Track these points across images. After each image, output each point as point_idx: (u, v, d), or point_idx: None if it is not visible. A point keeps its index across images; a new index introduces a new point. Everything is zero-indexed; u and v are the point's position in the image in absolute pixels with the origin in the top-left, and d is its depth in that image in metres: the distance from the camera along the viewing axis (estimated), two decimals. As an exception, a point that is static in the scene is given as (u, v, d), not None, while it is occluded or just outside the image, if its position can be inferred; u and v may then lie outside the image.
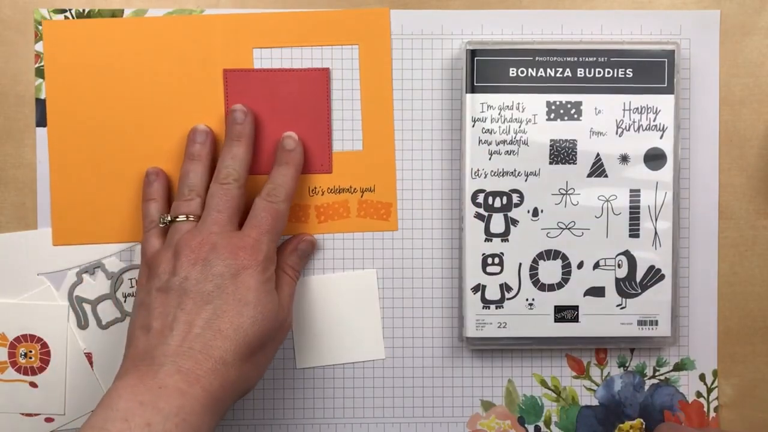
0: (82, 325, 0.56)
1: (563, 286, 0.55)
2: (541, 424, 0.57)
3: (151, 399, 0.44)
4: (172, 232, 0.51)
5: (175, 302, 0.48)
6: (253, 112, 0.54)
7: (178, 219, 0.52)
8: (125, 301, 0.56)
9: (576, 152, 0.55)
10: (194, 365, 0.46)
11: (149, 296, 0.49)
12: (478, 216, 0.55)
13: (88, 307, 0.56)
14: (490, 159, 0.54)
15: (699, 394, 0.58)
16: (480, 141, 0.54)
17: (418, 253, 0.57)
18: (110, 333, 0.56)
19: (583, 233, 0.55)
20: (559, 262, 0.55)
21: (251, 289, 0.49)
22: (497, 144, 0.54)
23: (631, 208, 0.55)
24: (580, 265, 0.55)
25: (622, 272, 0.55)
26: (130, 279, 0.55)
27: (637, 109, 0.54)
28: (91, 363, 0.56)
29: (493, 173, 0.55)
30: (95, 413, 0.44)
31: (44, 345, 0.56)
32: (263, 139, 0.56)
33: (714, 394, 0.58)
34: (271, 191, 0.52)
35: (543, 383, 0.57)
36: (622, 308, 0.55)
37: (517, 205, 0.55)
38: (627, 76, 0.54)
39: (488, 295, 0.55)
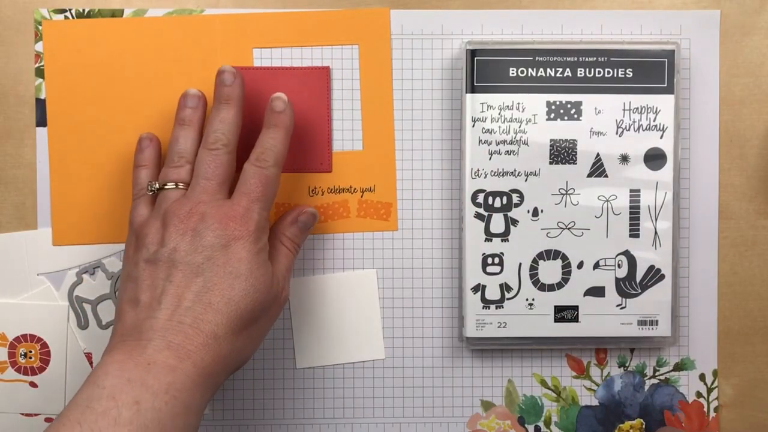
0: (83, 325, 0.56)
1: (563, 286, 0.55)
2: (541, 424, 0.57)
3: (140, 376, 0.42)
4: (161, 200, 0.50)
5: (164, 274, 0.46)
6: (242, 75, 0.52)
7: (166, 186, 0.50)
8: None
9: (576, 152, 0.55)
10: (184, 340, 0.44)
11: (137, 268, 0.48)
12: (478, 216, 0.55)
13: (88, 307, 0.56)
14: (490, 159, 0.54)
15: (699, 394, 0.58)
16: (480, 141, 0.54)
17: (418, 253, 0.57)
18: (110, 333, 0.56)
19: (583, 233, 0.55)
20: (559, 262, 0.55)
21: (243, 261, 0.47)
22: (497, 144, 0.54)
23: (631, 208, 0.55)
24: (580, 265, 0.55)
25: (622, 272, 0.55)
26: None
27: (637, 109, 0.54)
28: (91, 363, 0.56)
29: (493, 173, 0.55)
30: (81, 390, 0.43)
31: (44, 345, 0.56)
32: (263, 139, 0.56)
33: (714, 394, 0.58)
34: (260, 155, 0.50)
35: (543, 383, 0.57)
36: (622, 308, 0.55)
37: (517, 205, 0.55)
38: (627, 76, 0.54)
39: (488, 295, 0.55)
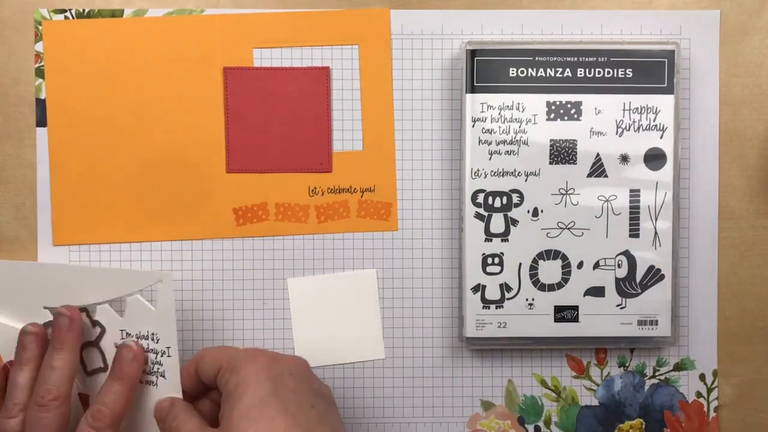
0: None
1: (563, 286, 0.55)
2: (541, 424, 0.57)
3: None
4: None
5: None
6: (80, 318, 0.50)
7: None
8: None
9: (576, 152, 0.55)
10: None
11: None
12: (478, 216, 0.55)
13: None
14: (490, 159, 0.54)
15: (699, 394, 0.58)
16: (480, 141, 0.54)
17: (418, 253, 0.57)
18: (94, 380, 0.53)
19: (583, 233, 0.55)
20: (559, 262, 0.55)
21: None
22: (497, 144, 0.54)
23: (631, 208, 0.55)
24: (580, 265, 0.55)
25: (622, 272, 0.55)
26: (121, 330, 0.51)
27: (637, 109, 0.54)
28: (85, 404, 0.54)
29: (493, 173, 0.55)
30: None
31: None
32: (263, 139, 0.56)
33: (714, 394, 0.58)
34: (96, 414, 0.48)
35: (543, 383, 0.57)
36: (622, 308, 0.55)
37: (517, 205, 0.55)
38: (627, 76, 0.54)
39: (488, 295, 0.55)
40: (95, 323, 0.52)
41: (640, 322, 0.55)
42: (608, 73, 0.54)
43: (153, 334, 0.50)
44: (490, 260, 0.55)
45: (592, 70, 0.54)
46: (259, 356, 0.46)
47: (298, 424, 0.43)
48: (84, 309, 0.52)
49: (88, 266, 0.56)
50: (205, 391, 0.50)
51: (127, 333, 0.51)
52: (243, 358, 0.46)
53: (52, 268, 0.53)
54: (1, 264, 0.53)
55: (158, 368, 0.50)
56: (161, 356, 0.50)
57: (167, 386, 0.49)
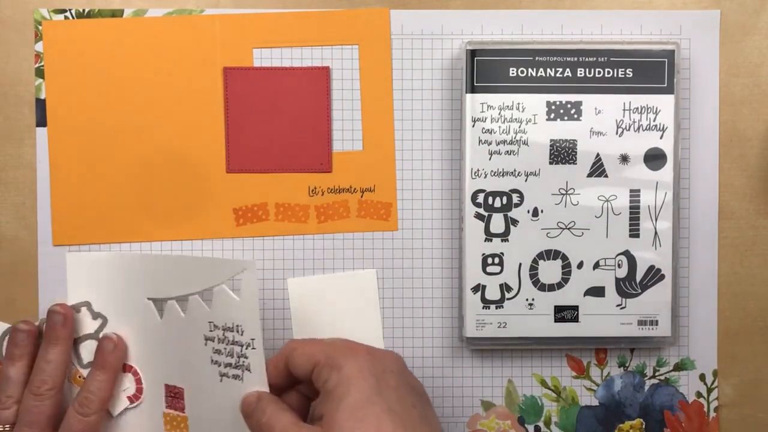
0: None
1: (563, 286, 0.55)
2: (541, 424, 0.57)
3: None
4: None
5: None
6: (72, 315, 0.53)
7: None
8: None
9: (576, 152, 0.55)
10: None
11: None
12: (478, 216, 0.55)
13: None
14: (490, 159, 0.54)
15: (699, 394, 0.58)
16: (480, 141, 0.54)
17: (418, 253, 0.57)
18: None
19: (583, 233, 0.55)
20: (559, 262, 0.55)
21: None
22: (497, 144, 0.54)
23: (631, 208, 0.55)
24: (580, 265, 0.55)
25: (622, 272, 0.55)
26: (209, 322, 0.51)
27: (637, 109, 0.54)
28: None
29: (493, 173, 0.55)
30: None
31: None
32: (263, 139, 0.56)
33: (714, 394, 0.58)
34: (83, 401, 0.51)
35: (543, 383, 0.57)
36: (622, 308, 0.55)
37: (517, 205, 0.55)
38: (627, 76, 0.54)
39: (488, 295, 0.55)
40: (96, 316, 0.54)
41: (640, 322, 0.55)
42: (608, 73, 0.54)
43: (238, 326, 0.48)
44: (490, 260, 0.55)
45: (592, 70, 0.54)
46: (359, 352, 0.45)
47: (404, 424, 0.42)
48: (84, 304, 0.53)
49: (177, 255, 0.54)
50: (292, 384, 0.49)
51: (214, 325, 0.49)
52: (342, 354, 0.45)
53: (153, 258, 0.52)
54: (102, 257, 0.53)
55: (243, 361, 0.48)
56: (246, 349, 0.48)
57: (253, 380, 0.48)
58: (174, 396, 0.52)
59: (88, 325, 0.55)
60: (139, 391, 0.53)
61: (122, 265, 0.52)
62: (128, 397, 0.53)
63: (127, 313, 0.52)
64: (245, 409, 0.47)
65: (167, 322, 0.51)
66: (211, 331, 0.49)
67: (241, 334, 0.48)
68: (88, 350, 0.54)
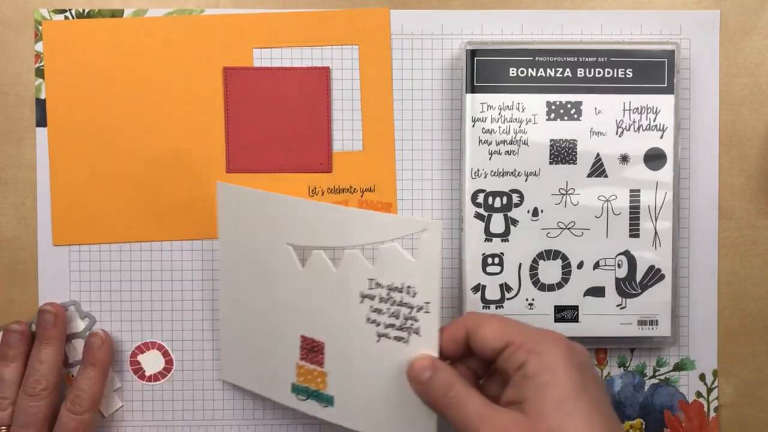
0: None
1: (563, 286, 0.55)
2: (541, 424, 0.57)
3: None
4: None
5: None
6: (64, 314, 0.54)
7: None
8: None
9: (576, 152, 0.55)
10: None
11: None
12: (478, 216, 0.55)
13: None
14: (490, 159, 0.54)
15: (699, 394, 0.58)
16: (480, 141, 0.54)
17: (418, 253, 0.57)
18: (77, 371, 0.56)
19: (583, 233, 0.55)
20: (559, 262, 0.55)
21: None
22: (497, 144, 0.54)
23: (631, 208, 0.55)
24: (580, 265, 0.55)
25: (622, 272, 0.55)
26: (369, 279, 0.48)
27: (637, 109, 0.54)
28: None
29: (493, 173, 0.55)
30: None
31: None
32: (263, 139, 0.56)
33: (714, 394, 0.58)
34: (74, 399, 0.52)
35: (543, 383, 0.57)
36: (622, 308, 0.55)
37: (517, 205, 0.55)
38: (627, 76, 0.54)
39: (488, 295, 0.55)
40: (84, 315, 0.55)
41: (640, 322, 0.55)
42: (608, 73, 0.54)
43: (409, 287, 0.46)
44: (490, 260, 0.55)
45: (592, 70, 0.54)
46: (558, 340, 0.43)
47: (608, 423, 0.41)
48: (72, 303, 0.54)
49: (343, 208, 0.51)
50: (460, 356, 0.47)
51: (377, 283, 0.47)
52: (540, 339, 0.43)
53: (303, 204, 0.50)
54: (250, 193, 0.51)
55: (412, 324, 0.47)
56: (417, 311, 0.46)
57: (420, 344, 0.46)
58: (311, 349, 0.50)
59: (77, 324, 0.55)
60: (169, 363, 0.54)
61: (269, 206, 0.50)
62: (158, 373, 0.54)
63: (266, 255, 0.51)
64: (416, 373, 0.45)
65: (311, 272, 0.49)
66: (371, 288, 0.47)
67: (413, 296, 0.46)
68: (76, 349, 0.55)
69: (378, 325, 0.47)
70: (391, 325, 0.47)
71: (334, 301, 0.49)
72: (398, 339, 0.47)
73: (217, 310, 0.56)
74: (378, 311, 0.47)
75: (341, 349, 0.49)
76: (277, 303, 0.51)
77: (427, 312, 0.46)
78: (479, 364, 0.47)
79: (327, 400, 0.50)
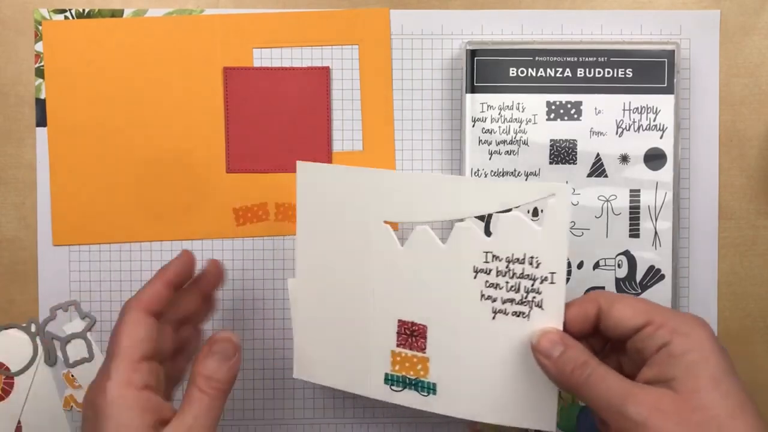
0: (50, 361, 0.56)
1: (563, 286, 0.55)
2: (541, 424, 0.57)
3: None
4: None
5: None
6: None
7: None
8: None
9: (576, 152, 0.55)
10: None
11: None
12: (479, 216, 0.55)
13: (57, 344, 0.56)
14: (490, 159, 0.54)
15: (699, 394, 0.57)
16: (480, 141, 0.54)
17: (418, 253, 0.56)
18: (76, 371, 0.56)
19: (583, 233, 0.55)
20: (559, 262, 0.55)
21: None
22: (497, 144, 0.54)
23: (631, 208, 0.55)
24: (580, 265, 0.55)
25: (622, 272, 0.55)
26: (485, 252, 0.45)
27: (637, 109, 0.54)
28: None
29: (493, 173, 0.55)
30: None
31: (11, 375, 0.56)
32: (263, 139, 0.56)
33: (714, 394, 0.57)
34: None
35: (543, 383, 0.57)
36: (622, 308, 0.55)
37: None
38: (627, 76, 0.54)
39: (488, 295, 0.55)
40: (84, 315, 0.55)
41: (640, 322, 0.55)
42: (608, 73, 0.54)
43: (532, 257, 0.44)
44: (490, 260, 0.55)
45: (592, 70, 0.54)
46: (702, 322, 0.42)
47: (754, 409, 0.40)
48: (72, 303, 0.54)
49: (457, 177, 0.49)
50: (584, 335, 0.45)
51: (493, 256, 0.44)
52: (682, 319, 0.42)
53: (406, 177, 0.46)
54: (338, 170, 0.48)
55: (534, 297, 0.44)
56: (541, 283, 0.44)
57: (543, 318, 0.44)
58: (410, 334, 0.47)
59: (77, 324, 0.55)
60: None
61: (361, 182, 0.47)
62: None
63: (357, 237, 0.47)
64: (545, 349, 0.43)
65: (413, 251, 0.46)
66: (486, 262, 0.44)
67: (536, 267, 0.43)
68: (76, 349, 0.55)
69: (494, 301, 0.44)
70: (510, 300, 0.44)
71: (442, 280, 0.45)
72: (517, 314, 0.44)
73: (222, 309, 0.56)
74: (494, 286, 0.44)
75: (448, 330, 0.46)
76: (369, 287, 0.47)
77: (552, 283, 0.43)
78: (599, 342, 0.45)
79: (428, 389, 0.47)
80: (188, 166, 0.56)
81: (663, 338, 0.41)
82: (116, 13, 0.55)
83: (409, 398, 0.48)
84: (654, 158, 0.55)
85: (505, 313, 0.45)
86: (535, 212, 0.50)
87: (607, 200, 0.55)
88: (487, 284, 0.45)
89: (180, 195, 0.56)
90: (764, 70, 0.57)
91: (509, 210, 0.44)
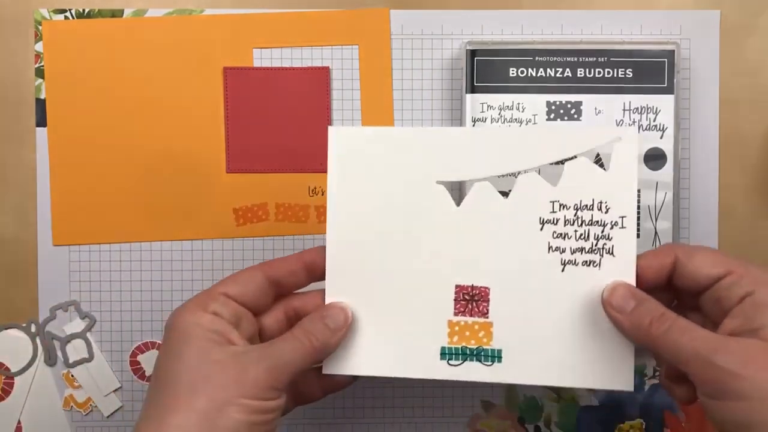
0: (50, 361, 0.56)
1: (563, 286, 0.55)
2: (541, 424, 0.57)
3: None
4: None
5: None
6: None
7: None
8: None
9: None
10: None
11: None
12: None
13: (57, 344, 0.56)
14: (490, 159, 0.54)
15: (699, 394, 0.57)
16: (480, 141, 0.54)
17: (418, 253, 0.56)
18: (76, 371, 0.56)
19: (583, 233, 0.55)
20: (559, 262, 0.55)
21: None
22: (497, 144, 0.54)
23: (631, 208, 0.55)
24: (580, 265, 0.55)
25: (622, 272, 0.55)
26: (552, 202, 0.44)
27: (637, 109, 0.54)
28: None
29: (493, 173, 0.54)
30: None
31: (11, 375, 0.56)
32: (263, 139, 0.56)
33: (714, 394, 0.57)
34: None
35: (543, 383, 0.57)
36: (622, 308, 0.55)
37: (517, 205, 0.54)
38: (627, 76, 0.54)
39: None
40: (84, 315, 0.55)
41: (640, 322, 0.55)
42: (608, 73, 0.54)
43: (601, 202, 0.43)
44: (490, 260, 0.55)
45: (592, 70, 0.54)
46: None
47: None
48: (72, 303, 0.54)
49: (516, 128, 0.47)
50: (658, 287, 0.43)
51: (560, 204, 0.43)
52: (760, 269, 0.41)
53: (460, 133, 0.45)
54: (378, 132, 0.45)
55: (604, 244, 0.43)
56: (611, 228, 0.43)
57: (615, 265, 0.43)
58: (470, 299, 0.44)
59: (76, 324, 0.55)
60: None
61: (405, 143, 0.44)
62: None
63: (403, 203, 0.45)
64: (618, 303, 0.42)
65: (471, 209, 0.44)
66: (553, 212, 0.43)
67: (605, 212, 0.43)
68: (76, 349, 0.55)
69: (563, 252, 0.43)
70: (580, 249, 0.43)
71: (505, 236, 0.44)
72: (588, 263, 0.43)
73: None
74: (563, 236, 0.43)
75: (514, 289, 0.44)
76: (420, 255, 0.44)
77: (622, 227, 0.43)
78: (669, 295, 0.44)
79: (493, 356, 0.44)
80: (188, 166, 0.56)
81: (746, 287, 0.40)
82: (116, 13, 0.55)
83: (470, 371, 0.44)
84: (654, 158, 0.55)
85: (575, 263, 0.43)
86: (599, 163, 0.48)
87: (607, 200, 0.55)
88: (555, 235, 0.43)
89: (180, 195, 0.56)
90: (764, 70, 0.57)
91: (574, 158, 0.43)
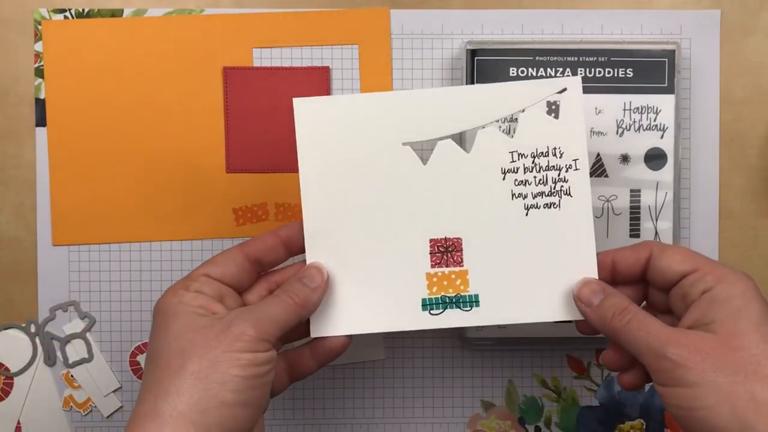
0: (50, 361, 0.56)
1: (563, 286, 0.55)
2: (541, 424, 0.57)
3: None
4: None
5: None
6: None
7: None
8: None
9: (576, 152, 0.54)
10: None
11: None
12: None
13: (56, 344, 0.56)
14: (490, 159, 0.54)
15: (699, 395, 0.57)
16: (480, 141, 0.54)
17: (418, 253, 0.56)
18: (76, 371, 0.56)
19: (583, 233, 0.55)
20: (559, 262, 0.55)
21: None
22: (497, 144, 0.54)
23: (631, 208, 0.55)
24: (581, 265, 0.55)
25: (623, 272, 0.55)
26: (511, 152, 0.46)
27: (638, 109, 0.54)
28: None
29: (493, 173, 0.55)
30: None
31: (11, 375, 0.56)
32: (263, 139, 0.56)
33: (714, 394, 0.57)
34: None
35: (543, 383, 0.57)
36: (622, 308, 0.55)
37: (517, 205, 0.55)
38: (627, 76, 0.54)
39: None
40: (84, 315, 0.55)
41: (641, 322, 0.55)
42: (608, 73, 0.54)
43: (555, 148, 0.46)
44: (490, 260, 0.55)
45: (593, 70, 0.54)
46: (746, 275, 0.44)
47: None
48: (72, 303, 0.54)
49: (470, 87, 0.50)
50: (630, 281, 0.46)
51: (519, 154, 0.46)
52: (730, 270, 0.43)
53: (417, 96, 0.47)
54: (341, 100, 0.47)
55: (561, 186, 0.46)
56: (566, 171, 0.46)
57: (574, 205, 0.46)
58: (444, 251, 0.46)
59: (76, 324, 0.55)
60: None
61: (369, 109, 0.46)
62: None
63: (372, 166, 0.46)
64: (586, 297, 0.45)
65: (437, 166, 0.46)
66: (513, 161, 0.46)
67: (560, 157, 0.46)
68: (74, 350, 0.55)
69: (525, 197, 0.46)
70: (540, 193, 0.46)
71: (471, 188, 0.46)
72: (549, 206, 0.46)
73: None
74: (523, 183, 0.46)
75: (485, 237, 0.46)
76: (394, 215, 0.46)
77: (576, 169, 0.46)
78: (636, 293, 0.46)
79: (471, 302, 0.47)
80: (188, 166, 0.56)
81: (707, 283, 0.43)
82: (116, 13, 0.55)
83: (450, 318, 0.46)
84: (654, 158, 0.55)
85: (537, 207, 0.46)
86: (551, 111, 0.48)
87: (608, 200, 0.55)
88: (516, 182, 0.46)
89: (180, 195, 0.56)
90: (764, 70, 0.57)
91: (525, 110, 0.46)
